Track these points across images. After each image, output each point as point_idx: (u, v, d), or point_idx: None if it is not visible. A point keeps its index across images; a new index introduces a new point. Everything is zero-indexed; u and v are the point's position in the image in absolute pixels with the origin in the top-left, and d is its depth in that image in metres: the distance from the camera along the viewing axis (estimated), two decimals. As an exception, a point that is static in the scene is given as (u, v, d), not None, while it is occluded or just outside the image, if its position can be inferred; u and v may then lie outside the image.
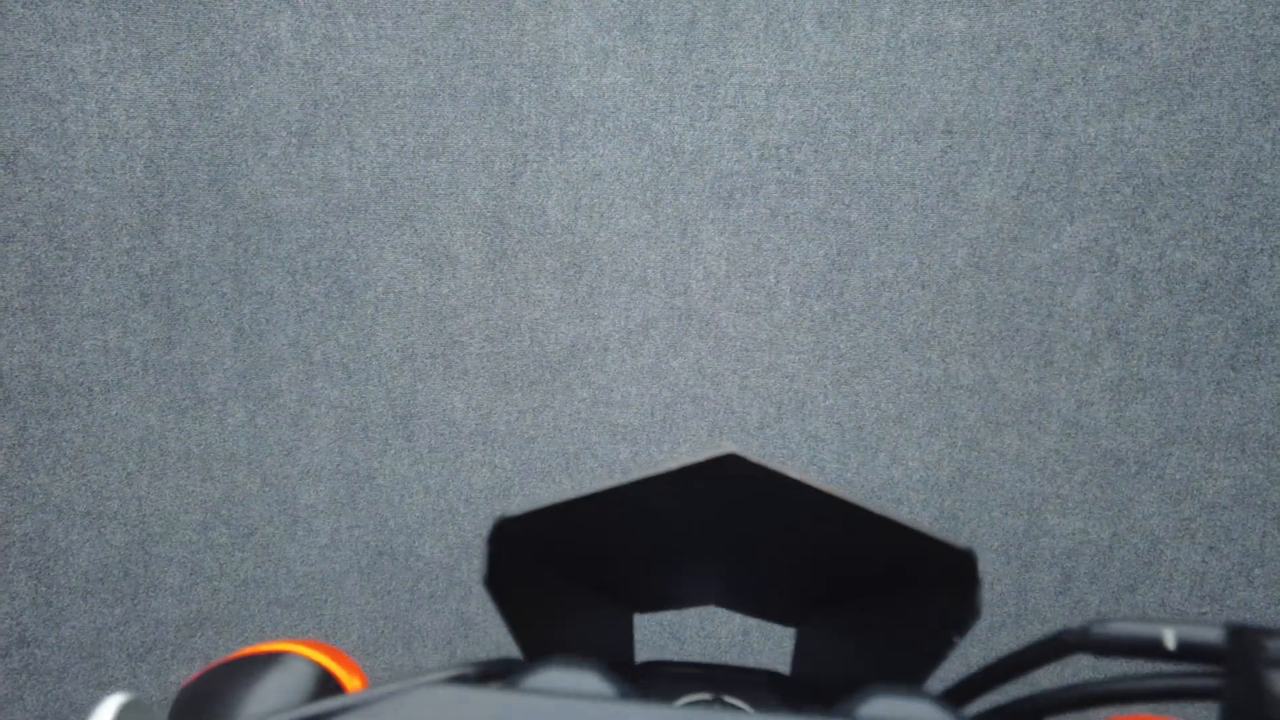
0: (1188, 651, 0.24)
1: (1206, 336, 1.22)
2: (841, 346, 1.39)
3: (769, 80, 1.31)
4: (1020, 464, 1.35)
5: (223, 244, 1.30)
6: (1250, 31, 1.13)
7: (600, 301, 1.42)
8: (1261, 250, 1.19)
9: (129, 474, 1.32)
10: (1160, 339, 1.25)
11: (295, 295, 1.35)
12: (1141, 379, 1.28)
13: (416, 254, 1.38)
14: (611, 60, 1.32)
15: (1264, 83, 1.13)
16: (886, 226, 1.33)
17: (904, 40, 1.27)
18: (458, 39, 1.30)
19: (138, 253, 1.26)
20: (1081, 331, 1.29)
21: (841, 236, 1.35)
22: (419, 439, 1.43)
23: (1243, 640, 0.19)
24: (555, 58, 1.32)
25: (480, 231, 1.38)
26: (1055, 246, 1.28)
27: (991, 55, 1.24)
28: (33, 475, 1.31)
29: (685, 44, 1.31)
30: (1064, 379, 1.32)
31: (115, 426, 1.30)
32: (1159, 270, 1.23)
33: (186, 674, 1.41)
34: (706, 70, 1.32)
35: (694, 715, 0.17)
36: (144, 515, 1.34)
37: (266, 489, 1.40)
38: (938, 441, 1.37)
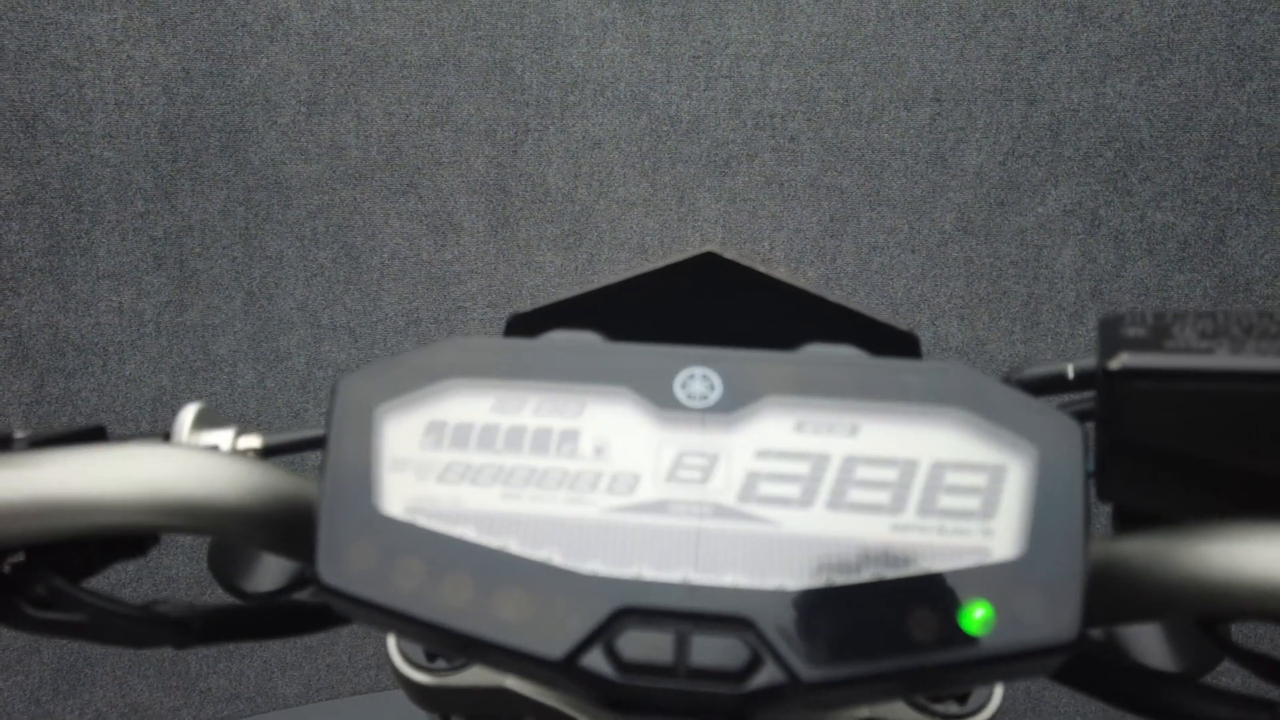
0: (1085, 378, 0.28)
1: (1186, 295, 1.26)
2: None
3: (763, 51, 1.36)
4: (1008, 424, 1.39)
5: (234, 209, 1.34)
6: (1226, -3, 1.17)
7: (600, 268, 1.46)
8: (1238, 210, 1.23)
9: (142, 433, 1.36)
10: (1142, 298, 1.29)
11: (304, 260, 1.39)
12: (1124, 338, 1.32)
13: (421, 220, 1.42)
14: (611, 31, 1.36)
15: (1239, 47, 1.17)
16: (878, 192, 1.37)
17: (894, 11, 1.31)
18: (462, 10, 1.34)
19: (152, 216, 1.30)
20: (1066, 293, 1.33)
21: (834, 203, 1.39)
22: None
23: (1106, 329, 0.23)
24: (556, 29, 1.36)
25: (483, 199, 1.42)
26: (1040, 210, 1.32)
27: (978, 25, 1.28)
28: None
29: (682, 15, 1.35)
30: (1050, 339, 1.36)
31: (129, 386, 1.33)
32: (1140, 231, 1.27)
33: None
34: (703, 41, 1.36)
35: (677, 350, 0.21)
36: (156, 474, 1.38)
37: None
38: (928, 402, 1.41)
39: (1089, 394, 0.29)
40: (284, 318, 1.41)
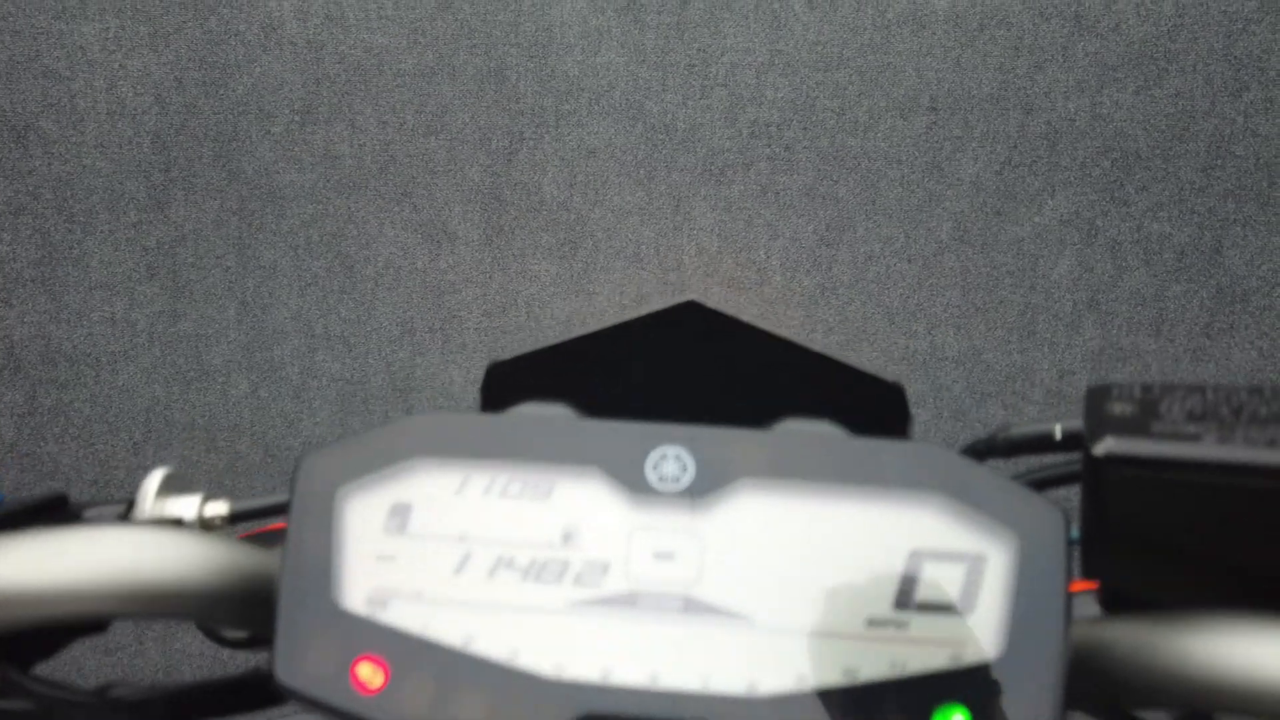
0: (1072, 440, 0.28)
1: (1183, 306, 1.26)
2: (830, 320, 1.43)
3: (759, 59, 1.35)
4: (1004, 433, 1.39)
5: (227, 219, 1.34)
6: (1222, 8, 1.16)
7: (595, 277, 1.46)
8: (1235, 220, 1.23)
9: (135, 443, 1.35)
10: (1139, 309, 1.29)
11: (297, 270, 1.39)
12: (1121, 348, 1.31)
13: (415, 230, 1.41)
14: (605, 40, 1.36)
15: (1236, 57, 1.17)
16: (874, 202, 1.37)
17: (890, 19, 1.30)
18: (456, 19, 1.34)
19: (144, 226, 1.29)
20: (1063, 302, 1.33)
21: (830, 212, 1.39)
22: (418, 412, 1.46)
23: (1093, 400, 0.22)
24: (551, 37, 1.36)
25: (478, 208, 1.42)
26: (1037, 220, 1.31)
27: (974, 33, 1.28)
28: (42, 444, 1.34)
29: (677, 24, 1.35)
30: (1046, 349, 1.36)
31: (122, 397, 1.33)
32: (1137, 241, 1.27)
33: (193, 642, 1.44)
34: (698, 49, 1.36)
35: (650, 428, 0.21)
36: (150, 484, 1.38)
37: (269, 460, 1.43)
38: (924, 413, 1.41)
39: (1075, 456, 0.29)
40: (278, 327, 1.40)
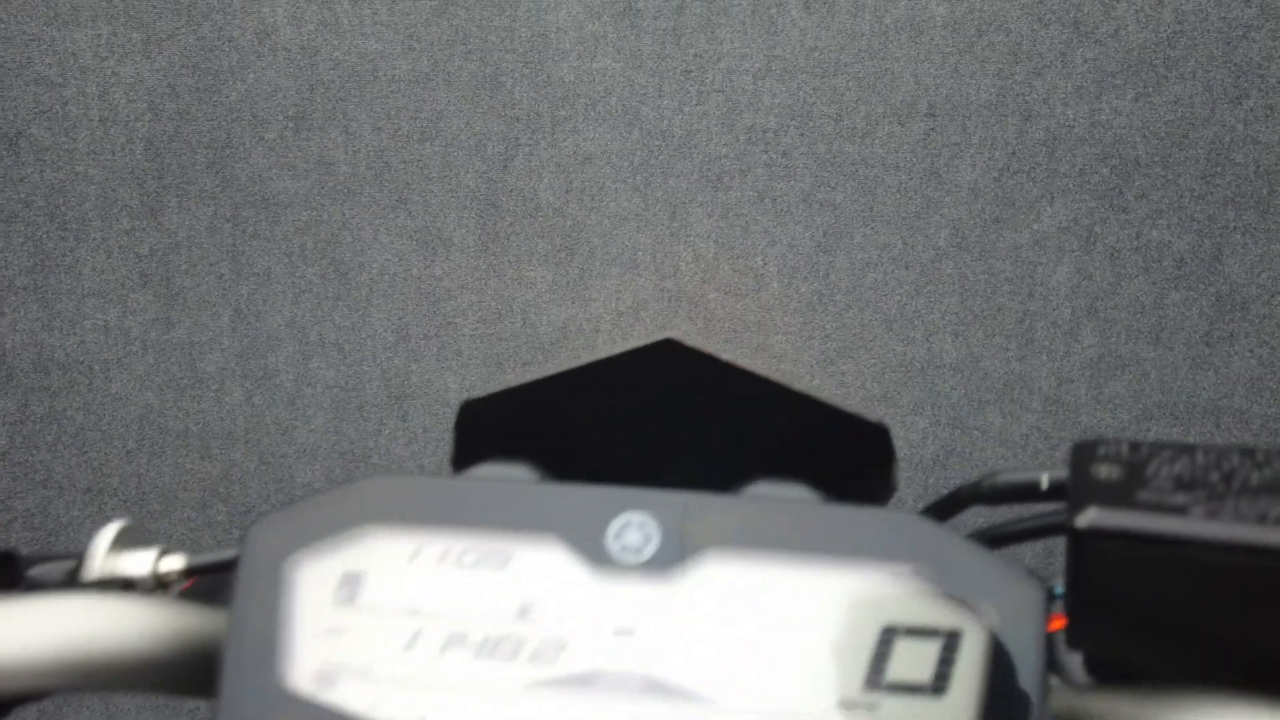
0: (1058, 490, 0.27)
1: (1182, 313, 1.25)
2: (828, 327, 1.42)
3: (756, 65, 1.35)
4: (1003, 441, 1.38)
5: (221, 226, 1.33)
6: (1222, 14, 1.15)
7: (591, 284, 1.45)
8: (1235, 228, 1.22)
9: (128, 451, 1.35)
10: (1138, 316, 1.28)
11: (292, 276, 1.38)
12: (1120, 356, 1.30)
13: (411, 236, 1.41)
14: (601, 45, 1.35)
15: (1236, 64, 1.16)
16: (871, 208, 1.36)
17: (887, 25, 1.30)
18: (451, 25, 1.33)
19: (137, 234, 1.29)
20: (1062, 310, 1.32)
21: (827, 218, 1.38)
22: (413, 419, 1.45)
23: (1078, 458, 0.22)
24: (546, 43, 1.35)
25: (473, 214, 1.41)
26: (1035, 227, 1.31)
27: (973, 39, 1.27)
28: (34, 452, 1.34)
29: (673, 29, 1.34)
30: (1045, 357, 1.35)
31: (115, 405, 1.32)
32: (1136, 249, 1.26)
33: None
34: (694, 55, 1.35)
35: (613, 493, 0.20)
36: (143, 492, 1.37)
37: (264, 467, 1.43)
38: (922, 420, 1.40)
39: (1061, 506, 0.28)
40: (272, 334, 1.40)
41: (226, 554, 0.31)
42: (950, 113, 1.30)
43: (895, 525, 0.19)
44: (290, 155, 1.34)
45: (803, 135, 1.36)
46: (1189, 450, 0.21)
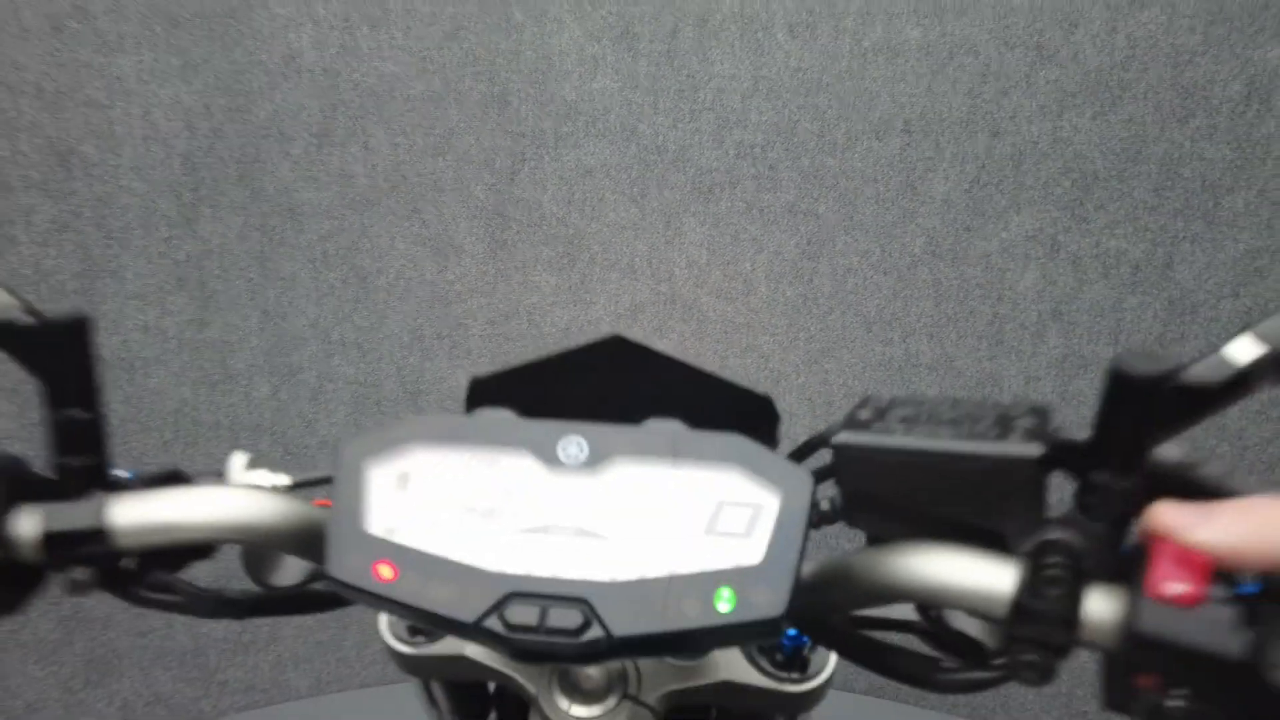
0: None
1: (1138, 316, 1.35)
2: (811, 328, 1.52)
3: (744, 85, 1.45)
4: (975, 435, 1.47)
5: (250, 234, 1.44)
6: (1171, 40, 1.25)
7: (592, 288, 1.55)
8: (1184, 237, 1.31)
9: (165, 442, 1.46)
10: (1098, 319, 1.37)
11: (315, 281, 1.49)
12: (1083, 356, 1.40)
13: (424, 244, 1.51)
14: (601, 67, 1.45)
15: (1183, 86, 1.25)
16: (851, 218, 1.46)
17: (866, 48, 1.39)
18: (462, 48, 1.44)
19: (175, 241, 1.40)
20: (1029, 313, 1.42)
21: (811, 227, 1.48)
22: (418, 413, 1.56)
23: (858, 404, 0.32)
24: (550, 65, 1.45)
25: (482, 224, 1.52)
26: (1004, 235, 1.40)
27: (945, 61, 1.37)
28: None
29: (668, 52, 1.44)
30: (1014, 356, 1.44)
31: (154, 399, 1.44)
32: (1096, 256, 1.36)
33: (218, 627, 1.54)
34: (687, 76, 1.45)
35: (562, 424, 0.30)
36: (178, 480, 1.48)
37: (288, 458, 1.54)
38: (899, 414, 1.49)
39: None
40: (297, 334, 1.51)
41: (316, 473, 0.42)
42: (924, 129, 1.40)
43: (728, 442, 0.30)
44: (314, 169, 1.45)
45: (788, 150, 1.46)
46: (920, 401, 0.31)
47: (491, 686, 0.48)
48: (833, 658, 0.41)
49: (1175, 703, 0.25)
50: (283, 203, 1.45)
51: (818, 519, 0.36)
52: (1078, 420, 1.08)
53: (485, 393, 0.40)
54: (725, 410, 0.38)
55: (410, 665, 0.42)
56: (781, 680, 0.40)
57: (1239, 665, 0.24)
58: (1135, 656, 0.25)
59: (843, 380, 1.53)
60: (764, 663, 0.40)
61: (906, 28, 1.37)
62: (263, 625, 1.56)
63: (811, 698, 0.40)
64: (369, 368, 1.54)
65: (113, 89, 1.31)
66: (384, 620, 0.44)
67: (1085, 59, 1.29)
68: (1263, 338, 0.26)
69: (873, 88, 1.40)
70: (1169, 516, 0.26)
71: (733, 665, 0.40)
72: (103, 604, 1.43)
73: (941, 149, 1.40)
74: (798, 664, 0.40)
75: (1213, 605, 0.25)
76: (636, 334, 0.41)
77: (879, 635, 0.36)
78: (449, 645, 0.41)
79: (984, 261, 1.42)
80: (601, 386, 0.39)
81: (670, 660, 0.40)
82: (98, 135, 1.31)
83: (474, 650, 0.41)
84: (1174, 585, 0.25)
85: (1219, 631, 0.24)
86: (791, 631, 0.41)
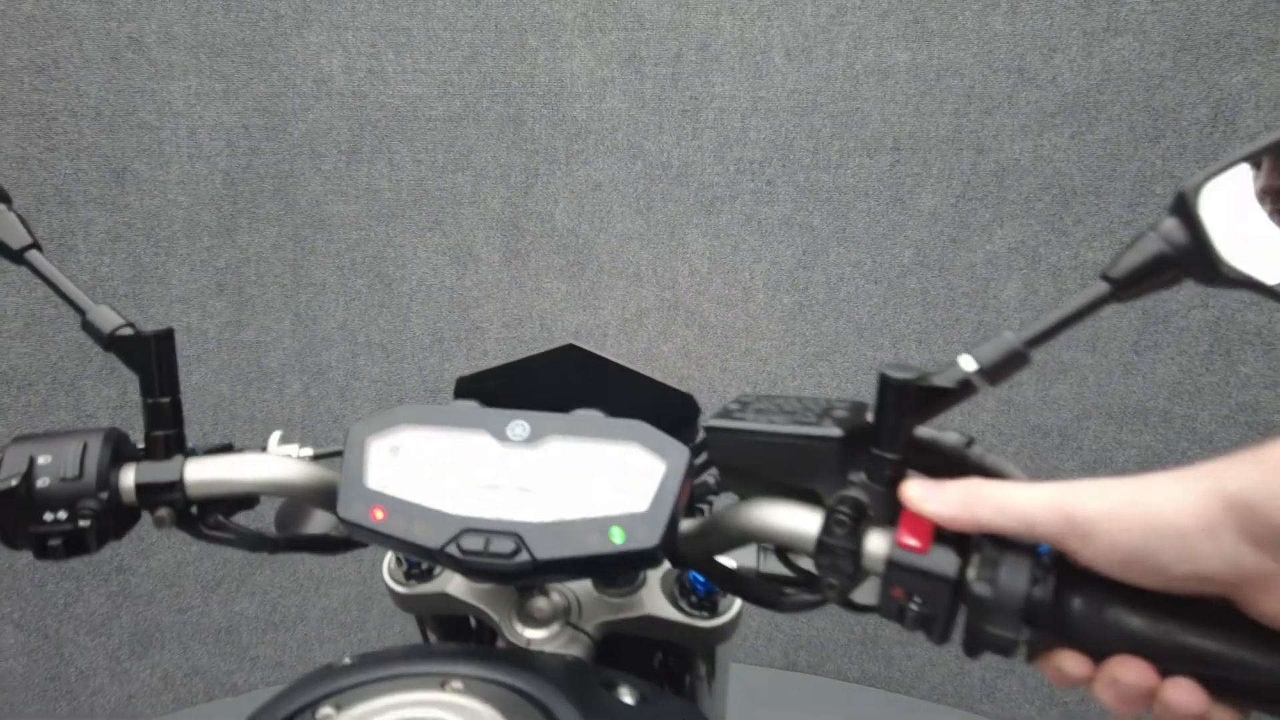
0: None
1: (1114, 325, 1.41)
2: (807, 334, 1.61)
3: (743, 105, 1.53)
4: (962, 437, 1.55)
5: (284, 243, 1.56)
6: (1143, 65, 1.32)
7: (600, 294, 1.65)
8: (1158, 251, 1.38)
9: (204, 434, 1.58)
10: (1077, 328, 1.44)
11: (343, 286, 1.61)
12: (1062, 362, 1.47)
13: (445, 253, 1.62)
14: (610, 89, 1.55)
15: (1155, 109, 1.32)
16: (844, 230, 1.54)
17: (858, 70, 1.48)
18: (480, 72, 1.54)
19: (216, 250, 1.52)
20: (1011, 321, 1.49)
21: (806, 239, 1.56)
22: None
23: (736, 400, 0.42)
24: (562, 87, 1.55)
25: (498, 234, 1.62)
26: (988, 247, 1.48)
27: (932, 83, 1.44)
28: (131, 432, 1.58)
29: (672, 75, 1.54)
30: (997, 362, 1.51)
31: (195, 394, 1.56)
32: (1074, 268, 1.43)
33: (250, 605, 1.67)
34: (690, 97, 1.54)
35: (512, 412, 0.41)
36: (217, 469, 1.60)
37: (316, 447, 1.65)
38: (889, 416, 1.57)
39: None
40: (326, 336, 1.62)
41: (332, 449, 0.53)
42: (913, 147, 1.48)
43: (630, 425, 0.40)
44: (343, 184, 1.56)
45: (784, 166, 1.54)
46: (777, 398, 0.41)
47: (473, 622, 0.59)
48: (737, 602, 0.51)
49: (914, 607, 0.35)
50: (314, 215, 1.56)
51: (705, 491, 0.47)
52: (1057, 421, 1.18)
53: (467, 387, 0.50)
54: (655, 403, 0.47)
55: (406, 602, 0.53)
56: (694, 617, 0.49)
57: (951, 581, 0.34)
58: (891, 578, 0.35)
59: (836, 383, 1.61)
60: (683, 604, 0.50)
61: (896, 52, 1.45)
62: (291, 607, 1.67)
63: (719, 633, 0.50)
64: (392, 367, 1.65)
65: (163, 112, 1.43)
66: (385, 568, 0.54)
67: (1064, 82, 1.36)
68: (976, 357, 0.36)
69: (864, 108, 1.48)
70: (910, 490, 0.35)
71: (656, 603, 0.50)
72: (146, 581, 1.56)
73: (929, 165, 1.47)
74: (709, 606, 0.50)
75: (936, 549, 0.34)
76: (588, 344, 0.51)
77: (741, 570, 0.46)
78: (434, 585, 0.52)
79: (969, 272, 1.49)
80: (561, 384, 0.50)
81: (605, 597, 0.50)
82: (148, 154, 1.44)
83: (453, 587, 0.52)
84: (910, 539, 0.35)
85: (939, 563, 0.34)
86: (701, 579, 0.50)
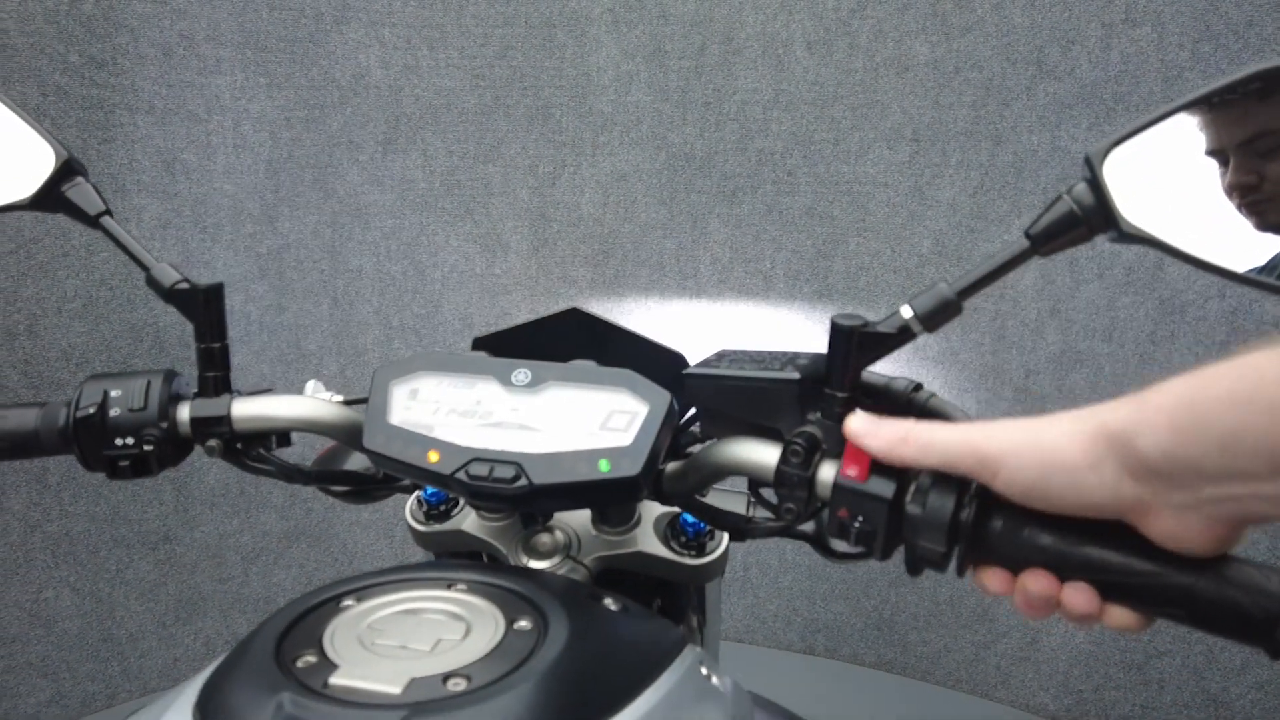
0: None
1: (1131, 315, 1.43)
2: (826, 322, 1.64)
3: (765, 97, 1.57)
4: (979, 425, 1.57)
5: (323, 230, 1.63)
6: (1161, 57, 1.33)
7: (625, 282, 1.70)
8: (1175, 241, 1.38)
9: (247, 413, 1.66)
10: (1093, 317, 1.46)
11: (379, 272, 1.68)
12: (1079, 351, 1.48)
13: (475, 241, 1.68)
14: (635, 82, 1.59)
15: (1171, 100, 1.33)
16: (864, 220, 1.57)
17: (878, 63, 1.50)
18: (510, 66, 1.60)
19: (258, 236, 1.60)
20: (1029, 310, 1.51)
21: (826, 229, 1.59)
22: (425, 349, 1.73)
23: (716, 354, 0.46)
24: (589, 80, 1.60)
25: (527, 223, 1.68)
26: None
27: (951, 75, 1.47)
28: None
29: (695, 68, 1.58)
30: (1014, 351, 1.53)
31: (238, 374, 1.61)
32: (1092, 258, 1.44)
33: (287, 577, 1.74)
34: (713, 89, 1.58)
35: (516, 361, 0.46)
36: (258, 446, 1.68)
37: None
38: (906, 404, 1.60)
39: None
40: (362, 320, 1.69)
41: (359, 395, 0.58)
42: (932, 138, 1.50)
43: (619, 373, 0.45)
44: (379, 174, 1.63)
45: (805, 157, 1.57)
46: (752, 352, 0.45)
47: (485, 558, 0.64)
48: (724, 541, 0.55)
49: (856, 525, 0.39)
50: (351, 203, 1.63)
51: (692, 440, 0.52)
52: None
53: (482, 345, 0.56)
54: (649, 359, 0.52)
55: (425, 540, 0.58)
56: (683, 555, 0.54)
57: (887, 502, 0.38)
58: (836, 499, 0.40)
59: (854, 371, 1.64)
60: (673, 543, 0.54)
61: (916, 44, 1.47)
62: (326, 579, 1.75)
63: (706, 571, 0.54)
64: (425, 350, 1.72)
65: (210, 105, 1.51)
66: (408, 510, 0.60)
67: (1082, 73, 1.38)
68: (913, 306, 0.40)
69: (884, 100, 1.51)
70: (853, 424, 0.40)
71: (649, 541, 0.54)
72: (191, 551, 1.64)
73: (948, 157, 1.49)
74: (697, 545, 0.54)
75: (874, 478, 0.39)
76: (591, 308, 0.56)
77: (716, 505, 0.50)
78: (451, 524, 0.57)
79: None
80: (565, 343, 0.55)
81: (602, 535, 0.55)
82: (196, 145, 1.51)
83: (467, 525, 0.57)
84: (851, 469, 0.40)
85: (876, 488, 0.39)
86: (690, 521, 0.55)
